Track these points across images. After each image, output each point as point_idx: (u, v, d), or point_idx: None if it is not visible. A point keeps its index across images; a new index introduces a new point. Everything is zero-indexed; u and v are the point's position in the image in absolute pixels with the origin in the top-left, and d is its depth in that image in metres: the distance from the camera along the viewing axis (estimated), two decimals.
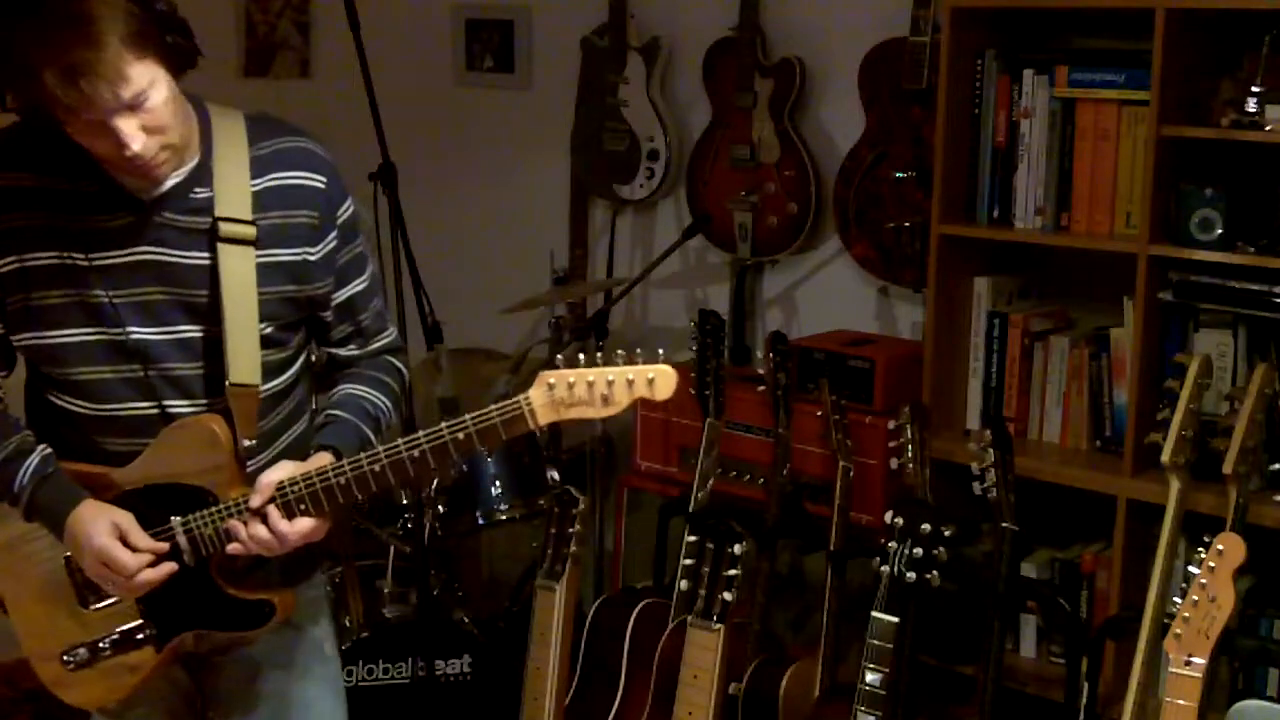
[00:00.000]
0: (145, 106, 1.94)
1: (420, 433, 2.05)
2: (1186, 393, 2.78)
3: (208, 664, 2.32)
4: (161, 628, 2.20)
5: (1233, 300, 2.92)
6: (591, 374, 1.98)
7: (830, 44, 3.69)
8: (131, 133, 1.94)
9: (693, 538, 2.83)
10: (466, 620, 3.56)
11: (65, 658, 2.22)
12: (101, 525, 2.09)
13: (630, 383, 1.97)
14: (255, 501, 2.09)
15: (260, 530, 2.09)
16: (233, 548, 2.11)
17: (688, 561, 2.83)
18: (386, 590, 3.56)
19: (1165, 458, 2.77)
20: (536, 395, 1.99)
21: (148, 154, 1.97)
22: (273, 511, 2.08)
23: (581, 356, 2.00)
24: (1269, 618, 2.92)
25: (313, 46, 4.61)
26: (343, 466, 2.08)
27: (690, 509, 3.26)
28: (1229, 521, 2.71)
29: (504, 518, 3.61)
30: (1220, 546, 2.30)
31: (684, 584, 2.87)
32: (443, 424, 2.03)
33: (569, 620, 2.99)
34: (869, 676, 2.59)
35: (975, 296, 3.30)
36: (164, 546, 2.12)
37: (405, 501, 3.44)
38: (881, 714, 2.59)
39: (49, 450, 2.15)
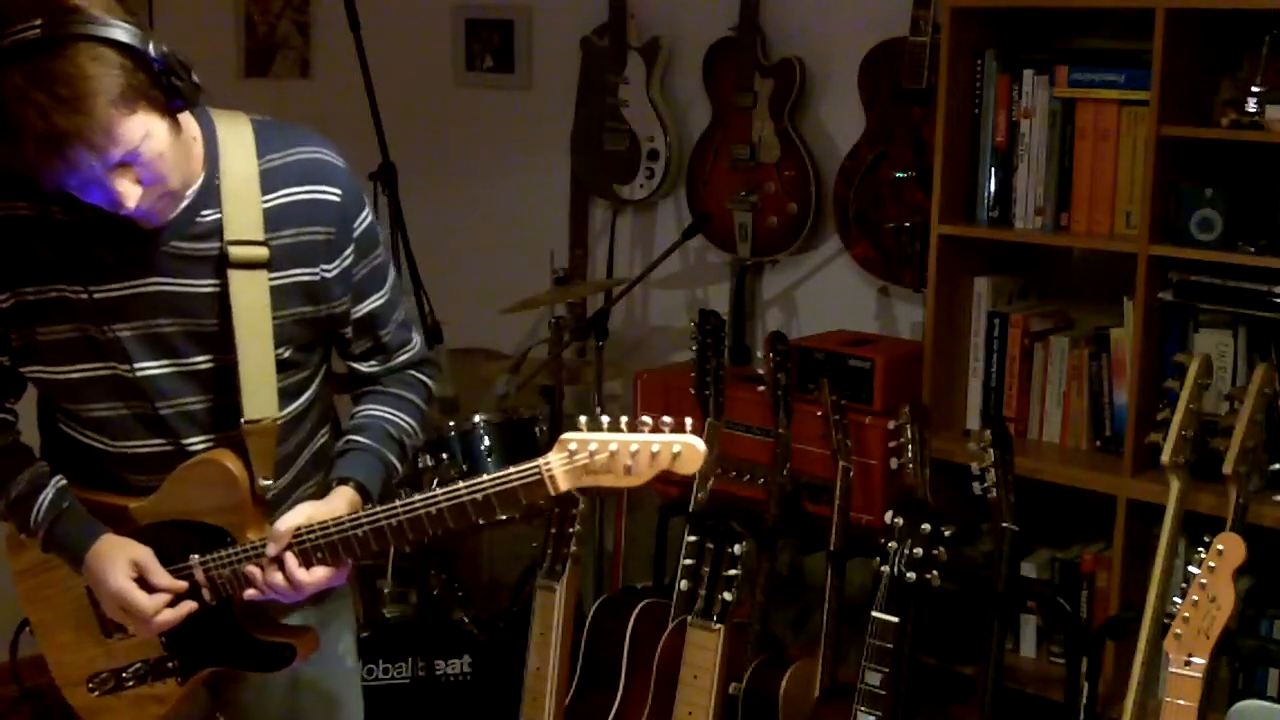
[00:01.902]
0: (140, 161, 1.83)
1: (439, 491, 1.98)
2: (1186, 393, 2.78)
3: (229, 674, 2.27)
4: (185, 661, 2.17)
5: (1233, 300, 2.92)
6: (615, 441, 1.89)
7: (830, 44, 3.69)
8: (125, 190, 1.84)
9: (693, 538, 2.83)
10: (466, 620, 3.56)
11: (90, 684, 2.20)
12: (120, 565, 2.04)
13: (654, 455, 1.89)
14: (272, 550, 2.02)
15: (277, 578, 2.03)
16: (249, 594, 2.05)
17: (688, 561, 2.83)
18: (386, 590, 3.56)
19: (1165, 458, 2.77)
20: (556, 460, 1.91)
21: (145, 205, 1.87)
22: (290, 559, 2.02)
23: (605, 419, 1.92)
24: (1269, 618, 2.92)
25: (313, 46, 4.61)
26: (359, 519, 2.01)
27: (690, 509, 3.26)
28: (1229, 521, 2.71)
29: (504, 518, 3.60)
30: (1220, 546, 2.30)
31: (684, 584, 2.87)
32: (460, 484, 1.97)
33: (569, 620, 2.99)
34: (869, 676, 2.59)
35: (975, 296, 3.30)
36: (183, 585, 2.07)
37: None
38: (881, 714, 2.59)
39: (63, 482, 2.10)
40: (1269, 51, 2.87)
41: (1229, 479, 2.73)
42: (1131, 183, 3.05)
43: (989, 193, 3.24)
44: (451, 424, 3.51)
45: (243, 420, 2.04)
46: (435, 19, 4.49)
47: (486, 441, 3.60)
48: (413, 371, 2.26)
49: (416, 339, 2.28)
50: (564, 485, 1.92)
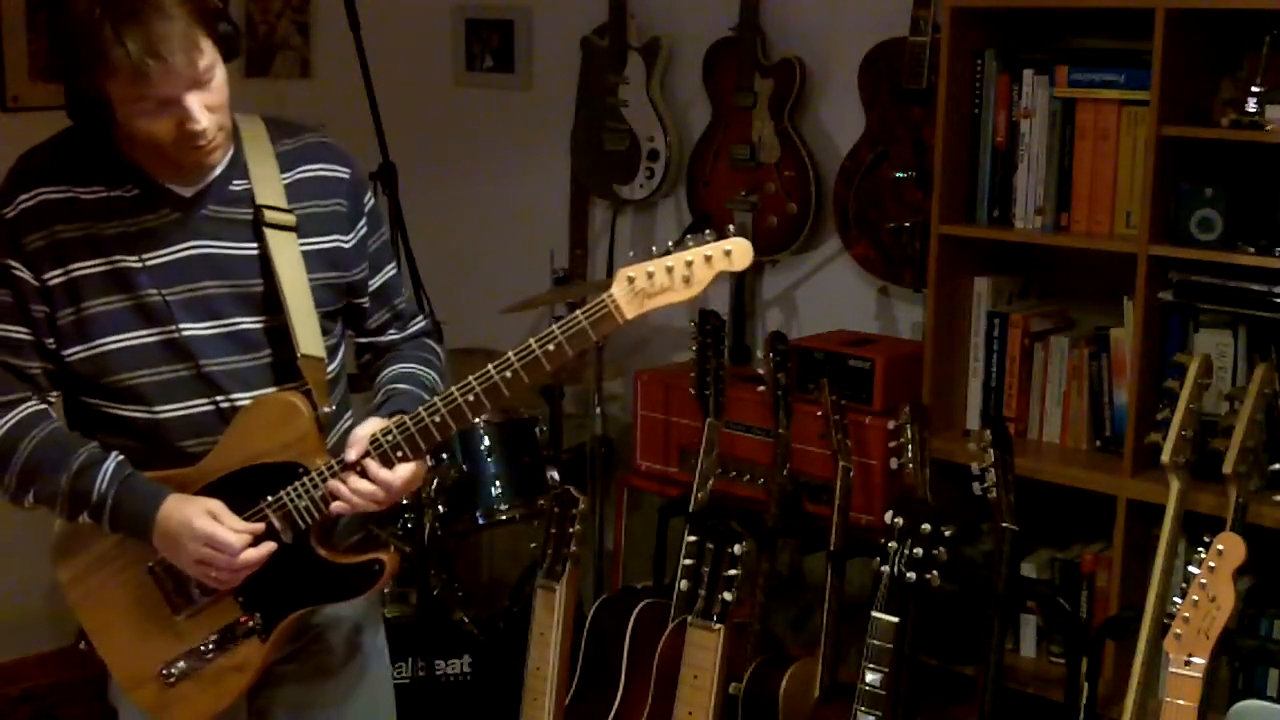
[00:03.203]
0: (210, 85, 1.98)
1: (510, 352, 2.05)
2: (1186, 393, 2.78)
3: (270, 677, 2.25)
4: (266, 615, 2.15)
5: (1233, 300, 2.92)
6: (670, 260, 1.99)
7: (830, 44, 3.69)
8: (198, 109, 1.97)
9: (693, 538, 2.83)
10: (466, 620, 3.56)
11: (164, 672, 2.16)
12: (196, 509, 2.06)
13: (709, 259, 2.00)
14: (352, 455, 2.07)
15: (362, 484, 2.07)
16: (337, 506, 2.08)
17: (688, 561, 2.83)
18: (386, 590, 3.55)
19: (1165, 458, 2.77)
20: (619, 291, 2.00)
21: (210, 132, 2.00)
22: (371, 463, 2.07)
23: (654, 248, 2.02)
24: (1269, 618, 2.92)
25: (313, 46, 4.60)
26: (434, 405, 2.07)
27: (690, 509, 3.25)
28: (1229, 521, 2.71)
29: (504, 518, 3.61)
30: (1220, 546, 2.30)
31: (684, 584, 2.87)
32: (530, 340, 2.04)
33: (569, 620, 2.98)
34: (869, 676, 2.59)
35: (975, 296, 3.30)
36: (260, 527, 2.09)
37: (405, 501, 3.44)
38: (881, 714, 2.59)
39: (122, 455, 2.10)
40: (1269, 51, 2.87)
41: (1229, 479, 2.73)
42: (1131, 183, 3.05)
43: (989, 192, 3.24)
44: None
45: (299, 354, 2.11)
46: (435, 19, 4.48)
47: (487, 441, 3.60)
48: (426, 340, 2.39)
49: (422, 314, 2.42)
50: (630, 313, 2.01)
